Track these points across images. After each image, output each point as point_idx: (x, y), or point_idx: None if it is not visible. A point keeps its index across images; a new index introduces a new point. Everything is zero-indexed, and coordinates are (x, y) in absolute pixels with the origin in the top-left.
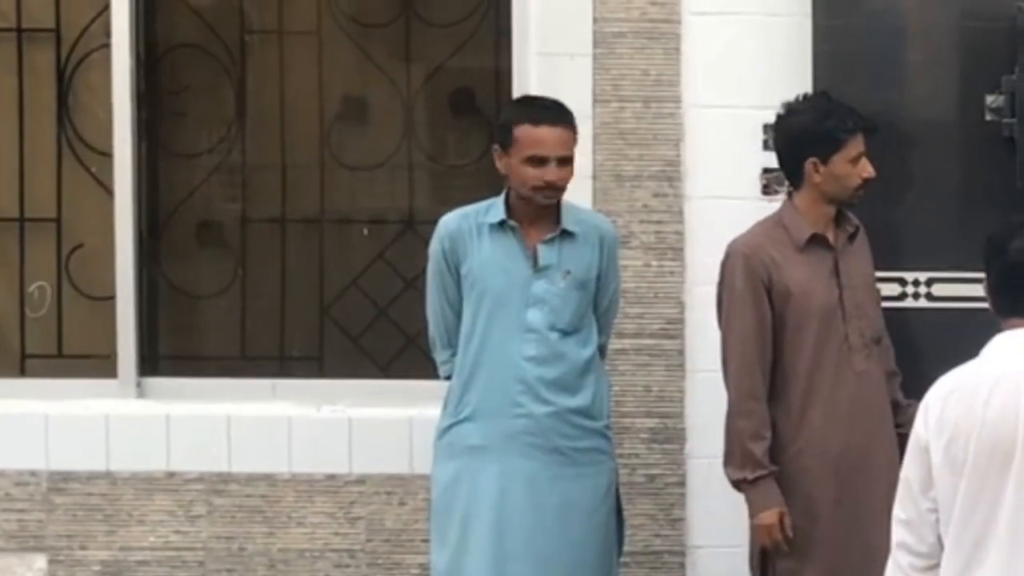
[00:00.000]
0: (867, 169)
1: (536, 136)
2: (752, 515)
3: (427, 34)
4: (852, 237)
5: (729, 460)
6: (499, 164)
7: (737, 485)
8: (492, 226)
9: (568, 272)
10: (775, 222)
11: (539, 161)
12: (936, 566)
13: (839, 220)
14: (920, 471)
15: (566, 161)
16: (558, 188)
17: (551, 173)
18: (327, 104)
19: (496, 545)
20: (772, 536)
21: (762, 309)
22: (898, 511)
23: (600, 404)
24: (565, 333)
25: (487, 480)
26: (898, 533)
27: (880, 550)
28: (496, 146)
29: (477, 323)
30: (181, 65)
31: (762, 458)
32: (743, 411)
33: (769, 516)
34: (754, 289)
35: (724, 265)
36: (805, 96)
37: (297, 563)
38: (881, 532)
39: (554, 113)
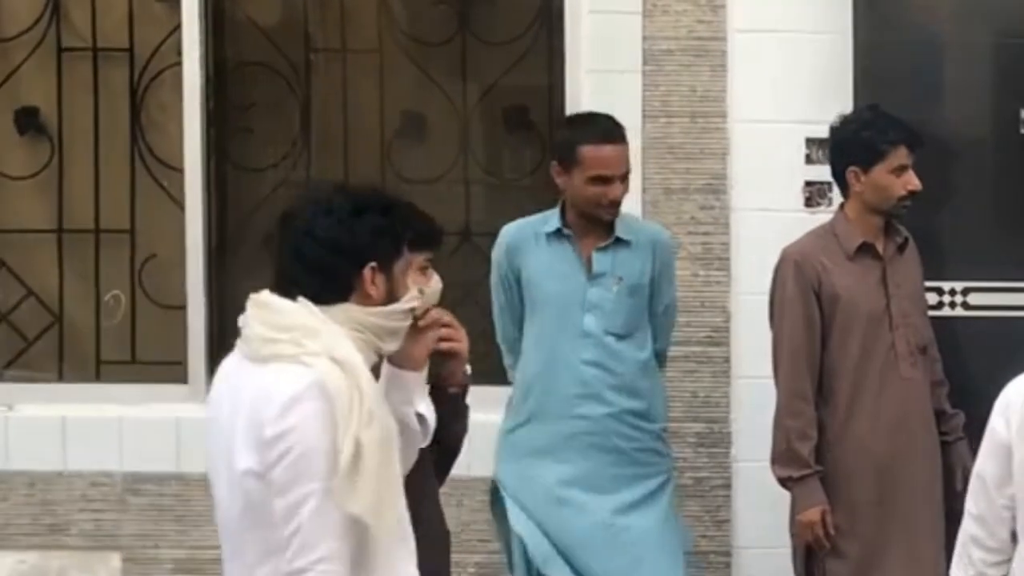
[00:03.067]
0: (912, 182)
1: (601, 156)
2: (796, 512)
3: (482, 52)
4: (902, 247)
5: (776, 458)
6: (558, 180)
7: (783, 483)
8: (549, 235)
9: (620, 279)
10: (827, 230)
11: (604, 180)
12: (1007, 561)
13: (888, 230)
14: (997, 468)
15: (626, 177)
16: (619, 204)
17: (615, 191)
18: (387, 120)
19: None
20: (815, 533)
21: (811, 313)
22: (970, 506)
23: (657, 407)
24: (620, 337)
25: (546, 483)
26: (970, 527)
27: (919, 552)
28: (555, 163)
29: (536, 328)
30: (248, 83)
31: (808, 457)
32: (791, 411)
33: (812, 513)
34: (804, 294)
35: (776, 270)
36: (857, 108)
37: None
38: (920, 535)
39: (615, 132)
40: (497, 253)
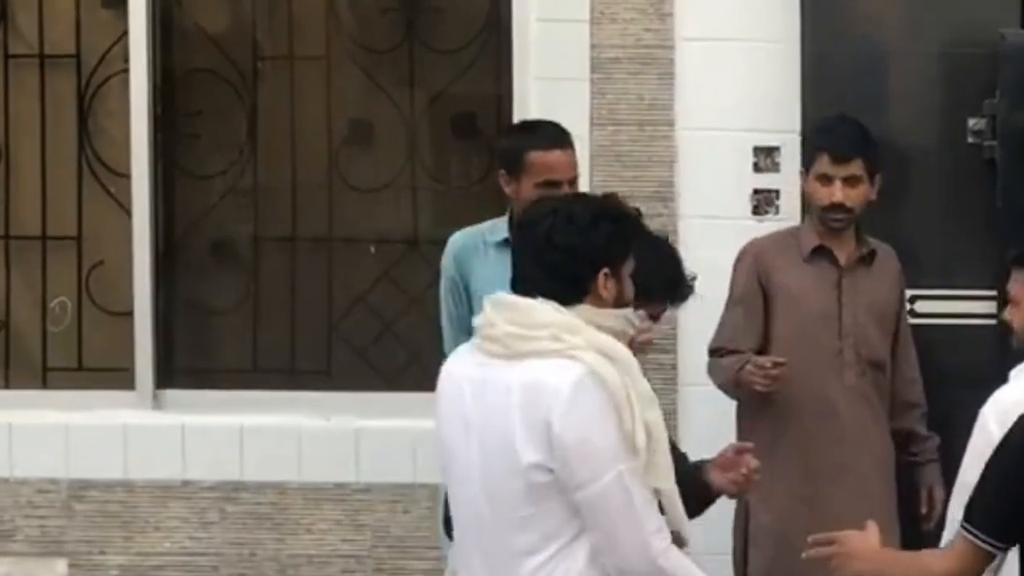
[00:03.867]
0: (834, 194)
1: (548, 162)
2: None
3: (430, 60)
4: (867, 259)
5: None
6: (507, 189)
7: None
8: (497, 243)
9: None
10: (790, 231)
11: (552, 185)
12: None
13: (858, 240)
14: None
15: (574, 182)
16: None
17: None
18: (335, 127)
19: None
20: (760, 367)
21: (754, 308)
22: (956, 512)
23: None
24: None
25: None
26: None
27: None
28: (503, 171)
29: None
30: (196, 89)
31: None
32: (713, 367)
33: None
34: (750, 288)
35: (734, 264)
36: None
37: (306, 568)
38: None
39: (562, 137)
40: (445, 261)
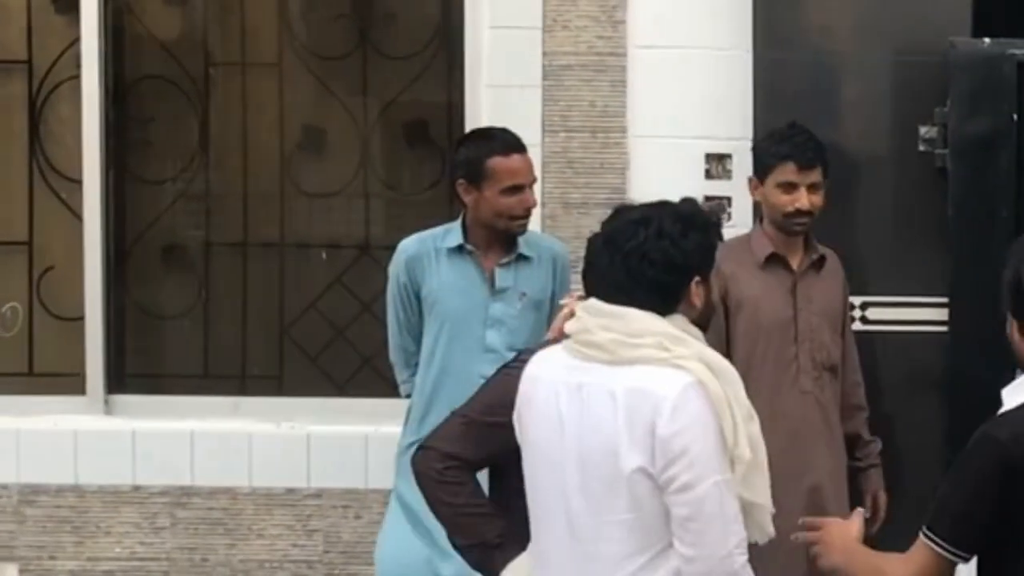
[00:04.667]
0: (798, 201)
1: (512, 167)
2: None
3: (383, 67)
4: (817, 265)
5: None
6: (467, 198)
7: None
8: (450, 250)
9: (524, 294)
10: (743, 239)
11: (517, 189)
12: None
13: (807, 246)
14: None
15: (533, 185)
16: (531, 213)
17: (529, 198)
18: (287, 134)
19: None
20: None
21: (716, 319)
22: None
23: None
24: None
25: None
26: None
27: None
28: (462, 181)
29: (438, 344)
30: (148, 96)
31: None
32: None
33: None
34: None
35: None
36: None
37: (257, 573)
38: (797, 551)
39: (518, 142)
40: (395, 267)
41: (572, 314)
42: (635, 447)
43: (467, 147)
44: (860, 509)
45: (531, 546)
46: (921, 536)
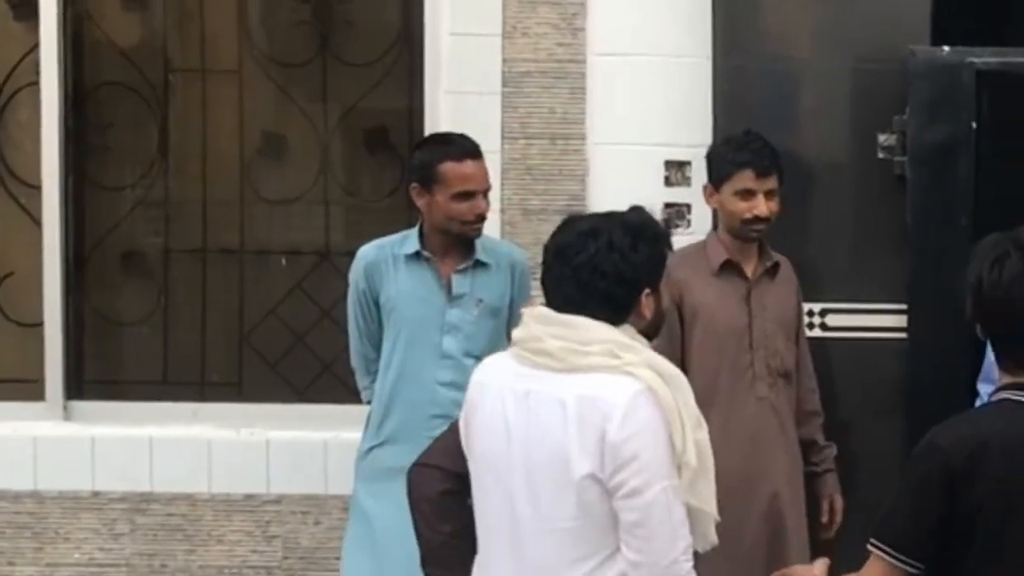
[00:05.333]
0: (757, 207)
1: (464, 172)
2: None
3: (343, 74)
4: (772, 271)
5: None
6: (419, 202)
7: None
8: (408, 257)
9: (481, 301)
10: (698, 247)
11: (468, 196)
12: None
13: (761, 253)
14: None
15: (487, 193)
16: (484, 219)
17: (481, 205)
18: (247, 140)
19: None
20: None
21: (671, 326)
22: None
23: None
24: (479, 358)
25: (401, 501)
26: None
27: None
28: (415, 185)
29: (395, 350)
30: (107, 102)
31: None
32: None
33: None
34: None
35: None
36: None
37: None
38: (754, 554)
39: (473, 148)
40: (354, 274)
41: None
42: (585, 453)
43: (422, 151)
44: (824, 559)
45: (477, 556)
46: (870, 548)
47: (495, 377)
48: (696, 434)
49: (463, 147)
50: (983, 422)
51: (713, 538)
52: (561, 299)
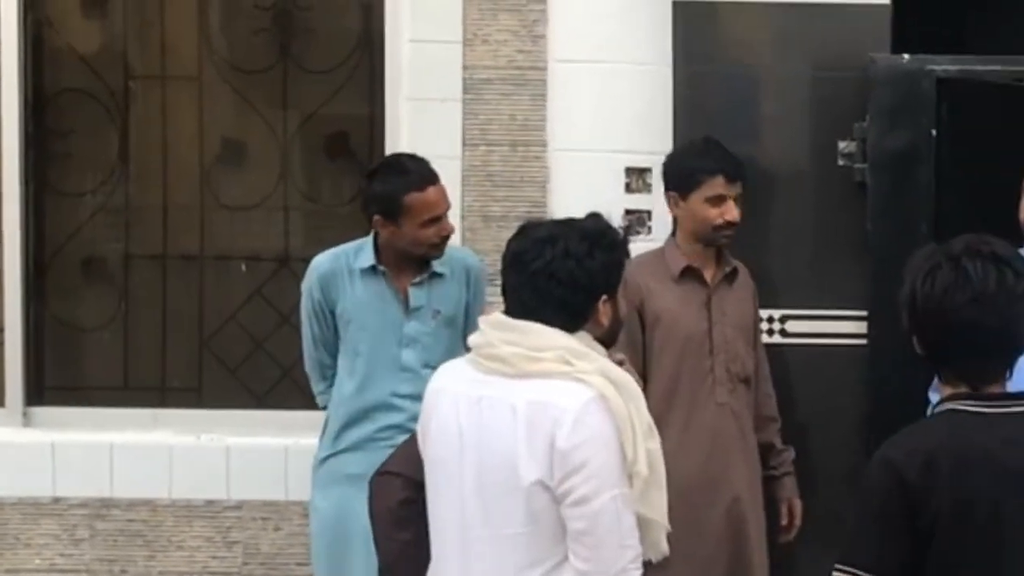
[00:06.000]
0: (729, 212)
1: (429, 200)
2: None
3: (303, 80)
4: (730, 277)
5: None
6: (383, 231)
7: None
8: (363, 271)
9: (438, 312)
10: (658, 253)
11: (434, 221)
12: None
13: (720, 259)
14: None
15: (448, 210)
16: (449, 238)
17: (448, 226)
18: (207, 147)
19: (367, 571)
20: None
21: (633, 332)
22: None
23: None
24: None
25: (361, 509)
26: None
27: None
28: (378, 217)
29: (354, 363)
30: (68, 109)
31: None
32: None
33: None
34: (627, 315)
35: None
36: (693, 138)
37: None
38: (717, 557)
39: (431, 174)
40: (309, 284)
41: None
42: (534, 460)
43: (381, 182)
44: None
45: (431, 563)
46: (836, 572)
47: (450, 383)
48: (648, 443)
49: (423, 175)
50: (930, 433)
51: (664, 548)
52: (518, 306)
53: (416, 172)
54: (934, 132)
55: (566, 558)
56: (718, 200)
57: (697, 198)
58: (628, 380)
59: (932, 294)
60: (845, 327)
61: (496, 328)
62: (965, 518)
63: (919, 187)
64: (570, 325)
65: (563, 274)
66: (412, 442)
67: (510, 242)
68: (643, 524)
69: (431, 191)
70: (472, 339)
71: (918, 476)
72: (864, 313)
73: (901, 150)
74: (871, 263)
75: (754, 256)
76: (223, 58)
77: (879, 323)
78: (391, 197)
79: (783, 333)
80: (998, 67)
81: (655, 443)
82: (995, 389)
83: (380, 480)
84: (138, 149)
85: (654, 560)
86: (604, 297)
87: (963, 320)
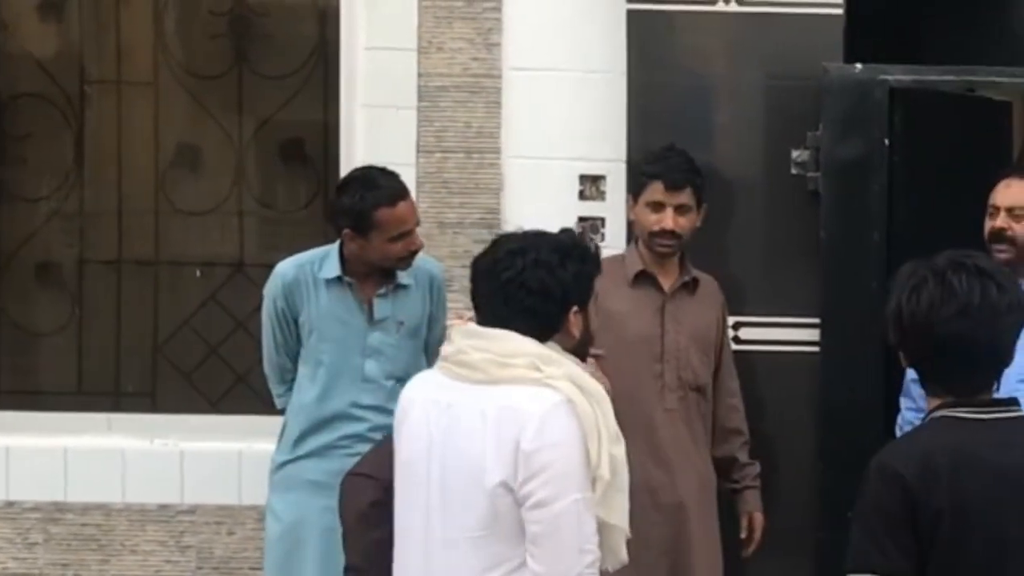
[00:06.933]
0: (664, 221)
1: (399, 216)
2: None
3: (259, 86)
4: (690, 286)
5: None
6: (352, 245)
7: None
8: (328, 281)
9: (402, 323)
10: (618, 258)
11: (404, 235)
12: None
13: (682, 268)
14: None
15: (416, 227)
16: (417, 253)
17: (417, 240)
18: (162, 152)
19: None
20: None
21: None
22: None
23: None
24: (400, 380)
25: (320, 515)
26: None
27: None
28: (348, 231)
29: (317, 372)
30: (23, 113)
31: None
32: None
33: None
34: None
35: None
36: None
37: None
38: (659, 562)
39: (402, 189)
40: (272, 289)
41: None
42: (499, 462)
43: (350, 196)
44: None
45: (394, 564)
46: None
47: (422, 391)
48: (613, 448)
49: (393, 190)
50: (924, 438)
51: (623, 556)
52: (489, 315)
53: (387, 187)
54: (887, 141)
55: (524, 562)
56: (657, 207)
57: (641, 202)
58: (596, 387)
59: (918, 309)
60: (798, 334)
61: (466, 336)
62: (965, 519)
63: (872, 196)
64: (540, 335)
65: (534, 283)
66: (386, 445)
67: (483, 254)
68: (603, 529)
69: (401, 206)
70: (444, 349)
71: (917, 478)
72: (816, 320)
73: (854, 159)
74: (824, 271)
75: (708, 263)
76: (179, 63)
77: (831, 330)
78: (361, 211)
79: (736, 340)
80: (951, 77)
81: (620, 449)
82: (984, 399)
83: (352, 480)
84: (93, 154)
85: (611, 569)
86: (575, 308)
87: (950, 334)
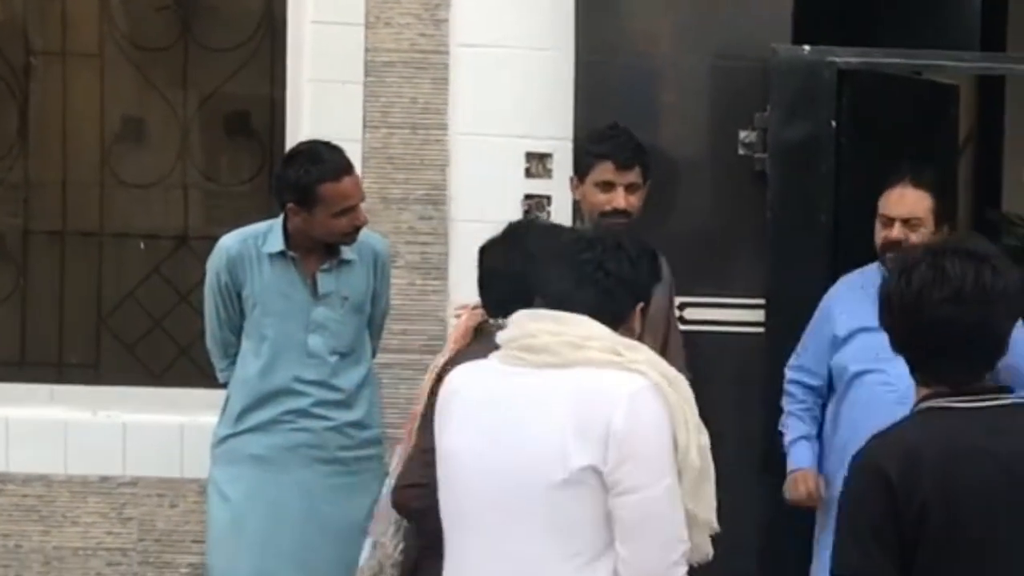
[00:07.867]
0: (614, 200)
1: (343, 190)
2: None
3: (204, 59)
4: None
5: None
6: (296, 219)
7: None
8: (272, 255)
9: (346, 298)
10: None
11: (349, 211)
12: None
13: None
14: None
15: (361, 203)
16: (361, 228)
17: (361, 216)
18: (107, 124)
19: (264, 551)
20: None
21: None
22: None
23: (373, 412)
24: (344, 355)
25: (263, 489)
26: None
27: None
28: (292, 205)
29: (261, 346)
30: None
31: None
32: None
33: None
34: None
35: None
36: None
37: (71, 561)
38: None
39: (347, 164)
40: (216, 263)
41: (474, 326)
42: (585, 445)
43: (295, 170)
44: None
45: (446, 563)
46: None
47: (474, 378)
48: (700, 438)
49: (338, 165)
50: (908, 432)
51: (708, 549)
52: (553, 300)
53: (331, 161)
54: (834, 123)
55: (604, 551)
56: (607, 186)
57: (589, 182)
58: (679, 376)
59: (908, 291)
60: (743, 315)
61: (534, 320)
62: (953, 513)
63: (819, 177)
64: (610, 323)
65: (614, 266)
66: (420, 451)
67: (538, 241)
68: (690, 522)
69: (346, 181)
70: (503, 335)
71: (900, 474)
72: (762, 301)
73: (801, 140)
74: (770, 252)
75: (654, 244)
76: (124, 35)
77: (777, 311)
78: (305, 186)
79: (682, 320)
80: (899, 59)
81: (705, 439)
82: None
83: (403, 493)
84: (38, 125)
85: (695, 564)
86: (641, 304)
87: (939, 318)
